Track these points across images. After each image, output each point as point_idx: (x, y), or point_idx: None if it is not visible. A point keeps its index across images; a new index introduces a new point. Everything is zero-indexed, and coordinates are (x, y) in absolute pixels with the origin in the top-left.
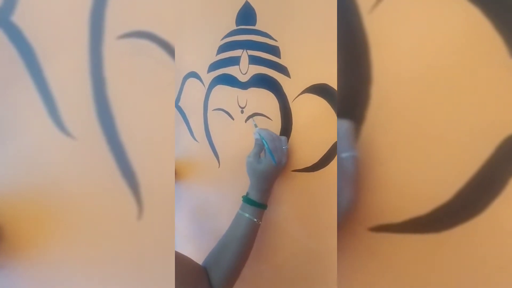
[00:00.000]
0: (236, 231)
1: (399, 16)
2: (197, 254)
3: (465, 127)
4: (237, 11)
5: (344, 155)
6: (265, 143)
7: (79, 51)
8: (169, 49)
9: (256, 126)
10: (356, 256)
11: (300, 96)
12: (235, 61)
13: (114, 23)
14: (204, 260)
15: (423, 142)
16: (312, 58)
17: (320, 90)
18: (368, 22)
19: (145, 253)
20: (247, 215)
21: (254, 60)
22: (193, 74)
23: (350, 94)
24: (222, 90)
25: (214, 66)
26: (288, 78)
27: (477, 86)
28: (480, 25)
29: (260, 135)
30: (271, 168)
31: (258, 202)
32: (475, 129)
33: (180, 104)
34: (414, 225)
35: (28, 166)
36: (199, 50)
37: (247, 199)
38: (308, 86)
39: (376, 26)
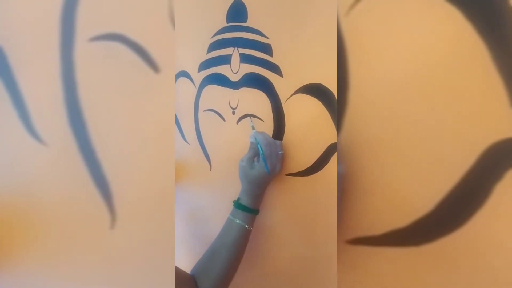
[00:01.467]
0: (227, 237)
1: (377, 18)
2: (188, 259)
3: (446, 136)
4: (228, 7)
5: None
6: (260, 148)
7: (50, 54)
8: (141, 52)
9: (253, 128)
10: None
11: (293, 96)
12: (226, 59)
13: (85, 25)
14: (192, 269)
15: (402, 152)
16: (305, 56)
17: (313, 90)
18: (344, 25)
19: (117, 263)
20: (238, 221)
21: (245, 59)
22: (184, 74)
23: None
24: (213, 90)
25: (204, 65)
26: (280, 77)
27: (459, 93)
28: (462, 29)
29: (256, 139)
30: (264, 175)
31: (250, 208)
32: (457, 138)
33: None
34: (393, 238)
35: None
36: (189, 48)
37: (238, 205)
38: (301, 86)
39: (353, 29)
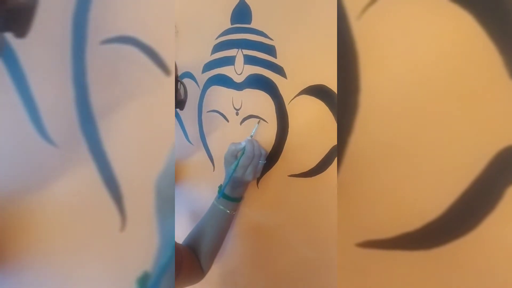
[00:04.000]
0: (212, 220)
1: (389, 22)
2: None
3: (458, 139)
4: (232, 9)
5: None
6: (239, 158)
7: (61, 57)
8: (153, 55)
9: (253, 132)
10: (342, 272)
11: (297, 97)
12: (230, 61)
13: (97, 28)
14: (183, 242)
15: (413, 154)
16: (309, 58)
17: (317, 91)
18: (356, 28)
19: (126, 263)
20: (221, 206)
21: (249, 60)
22: (188, 75)
23: (337, 103)
24: (217, 91)
25: (208, 66)
26: (284, 78)
27: (471, 96)
28: (474, 33)
29: (245, 146)
30: (236, 175)
31: (231, 197)
32: (469, 141)
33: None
34: (403, 241)
35: (9, 173)
36: (194, 50)
37: (220, 191)
38: (305, 87)
39: (365, 32)
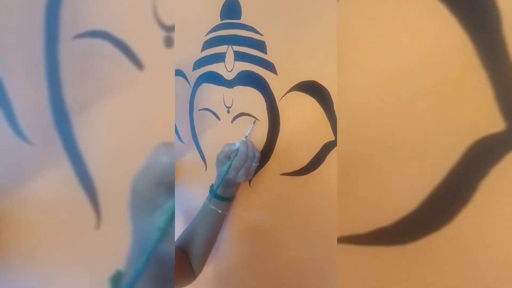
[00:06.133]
0: (203, 220)
1: (364, 14)
2: None
3: (431, 132)
4: (222, 4)
5: None
6: (232, 160)
7: (34, 53)
8: (125, 49)
9: (248, 133)
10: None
11: (288, 94)
12: (220, 57)
13: (69, 23)
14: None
15: (387, 148)
16: (300, 53)
17: (308, 87)
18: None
19: (101, 262)
20: (212, 206)
21: (239, 56)
22: (179, 73)
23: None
24: (207, 89)
25: (199, 64)
26: (275, 75)
27: (444, 89)
28: (448, 25)
29: (239, 148)
30: (228, 177)
31: (222, 196)
32: (441, 134)
33: None
34: (378, 236)
35: None
36: (184, 47)
37: (212, 191)
38: (296, 83)
39: (342, 26)
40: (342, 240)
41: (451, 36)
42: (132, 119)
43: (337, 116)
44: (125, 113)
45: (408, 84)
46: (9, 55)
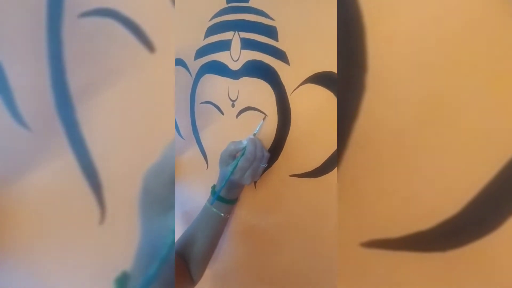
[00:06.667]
0: (204, 223)
1: None
2: None
3: (478, 128)
4: None
5: None
6: (238, 159)
7: (35, 32)
8: (135, 29)
9: (257, 130)
10: (345, 274)
11: (301, 87)
12: (225, 45)
13: (74, 0)
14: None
15: (427, 144)
16: (315, 41)
17: (324, 79)
18: (363, 1)
19: (106, 261)
20: (214, 209)
21: (247, 44)
22: (179, 62)
23: (338, 85)
24: (210, 80)
25: (201, 52)
26: (286, 65)
27: (493, 81)
28: (498, 6)
29: (246, 147)
30: (233, 177)
31: (226, 199)
32: (490, 130)
33: None
34: (414, 241)
35: None
36: (185, 33)
37: (214, 193)
38: (310, 75)
39: (373, 5)
40: (371, 244)
41: (501, 19)
42: (142, 106)
43: (366, 104)
44: (133, 99)
45: (451, 73)
46: (7, 35)
